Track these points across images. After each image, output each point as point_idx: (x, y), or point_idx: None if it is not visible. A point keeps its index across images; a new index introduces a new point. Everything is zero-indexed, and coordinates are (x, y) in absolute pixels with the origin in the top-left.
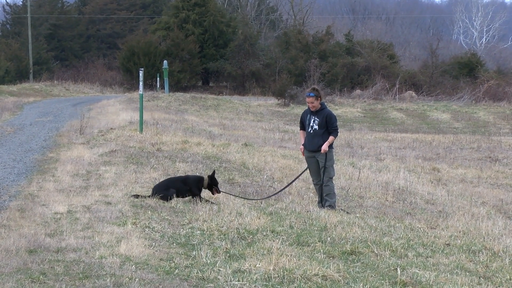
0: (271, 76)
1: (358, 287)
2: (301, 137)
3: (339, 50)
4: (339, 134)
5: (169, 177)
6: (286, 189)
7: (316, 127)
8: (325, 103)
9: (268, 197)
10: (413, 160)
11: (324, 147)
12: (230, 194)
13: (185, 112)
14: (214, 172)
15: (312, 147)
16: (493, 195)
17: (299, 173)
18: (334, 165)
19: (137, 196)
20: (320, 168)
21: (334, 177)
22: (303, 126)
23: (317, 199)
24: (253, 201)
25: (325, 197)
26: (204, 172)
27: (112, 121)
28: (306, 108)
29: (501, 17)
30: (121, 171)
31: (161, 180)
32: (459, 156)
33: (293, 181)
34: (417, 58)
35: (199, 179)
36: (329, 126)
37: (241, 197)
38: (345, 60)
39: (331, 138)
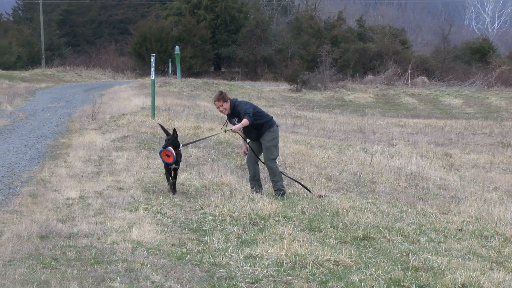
0: (283, 62)
1: (370, 272)
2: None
3: (351, 35)
4: (351, 119)
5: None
6: (298, 175)
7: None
8: (236, 99)
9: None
10: (425, 146)
11: (235, 128)
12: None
13: (197, 98)
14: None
15: (252, 139)
16: (506, 180)
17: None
18: (277, 146)
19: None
20: (266, 149)
21: (278, 158)
22: None
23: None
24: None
25: (273, 180)
26: (216, 158)
27: (124, 106)
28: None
29: None
30: (133, 156)
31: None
32: (472, 141)
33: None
34: (429, 43)
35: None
36: (241, 115)
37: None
38: (357, 45)
39: (244, 121)
